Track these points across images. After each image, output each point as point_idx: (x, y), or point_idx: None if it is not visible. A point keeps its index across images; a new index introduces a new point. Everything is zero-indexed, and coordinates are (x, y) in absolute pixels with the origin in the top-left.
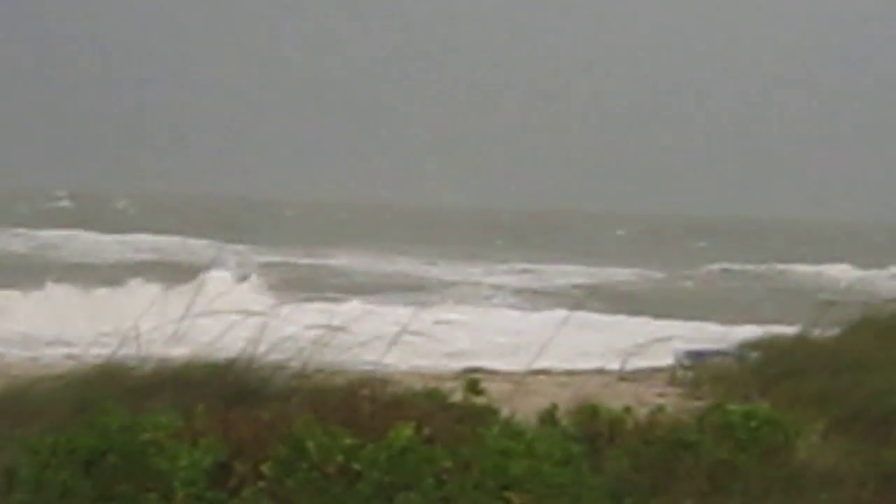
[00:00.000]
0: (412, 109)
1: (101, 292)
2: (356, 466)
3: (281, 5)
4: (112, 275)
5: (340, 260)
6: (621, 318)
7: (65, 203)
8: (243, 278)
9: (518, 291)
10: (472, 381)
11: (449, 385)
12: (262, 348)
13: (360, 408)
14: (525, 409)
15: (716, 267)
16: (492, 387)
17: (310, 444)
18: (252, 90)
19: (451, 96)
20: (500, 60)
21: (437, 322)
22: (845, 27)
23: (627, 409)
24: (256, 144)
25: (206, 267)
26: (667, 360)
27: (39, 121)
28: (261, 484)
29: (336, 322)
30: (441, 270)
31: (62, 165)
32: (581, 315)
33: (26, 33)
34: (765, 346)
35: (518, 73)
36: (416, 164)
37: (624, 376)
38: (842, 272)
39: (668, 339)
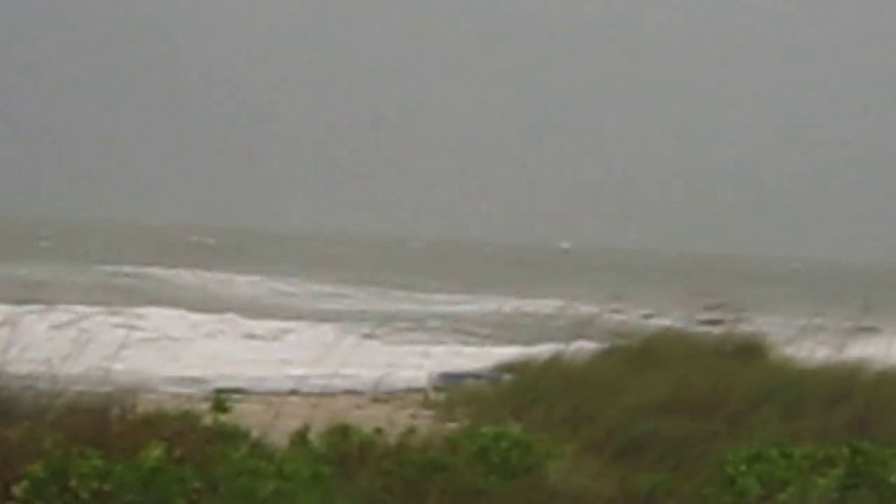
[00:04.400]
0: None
1: None
2: (107, 488)
3: None
4: None
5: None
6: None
7: None
8: None
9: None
10: (219, 399)
11: (200, 406)
12: (6, 360)
13: (110, 427)
14: (277, 430)
15: None
16: (244, 407)
17: (65, 465)
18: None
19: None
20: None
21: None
22: None
23: (379, 431)
24: None
25: None
26: (421, 382)
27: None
28: None
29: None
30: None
31: None
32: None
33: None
34: (518, 367)
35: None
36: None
37: (377, 397)
38: None
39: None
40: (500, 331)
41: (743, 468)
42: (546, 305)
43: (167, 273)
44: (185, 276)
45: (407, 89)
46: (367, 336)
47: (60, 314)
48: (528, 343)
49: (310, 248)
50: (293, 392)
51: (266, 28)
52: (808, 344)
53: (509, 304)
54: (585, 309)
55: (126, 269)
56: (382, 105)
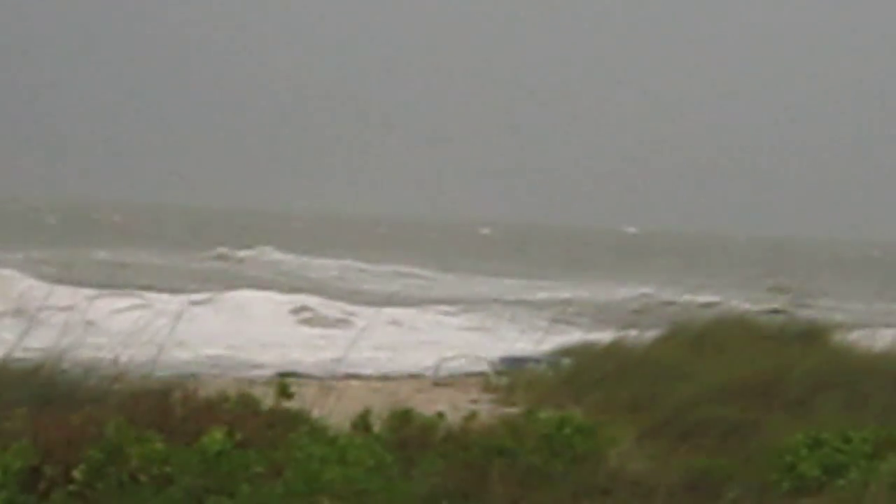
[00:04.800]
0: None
1: None
2: (168, 471)
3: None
4: None
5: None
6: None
7: None
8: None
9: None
10: (283, 385)
11: (261, 390)
12: (73, 345)
13: (172, 412)
14: (338, 414)
15: None
16: (304, 391)
17: (125, 449)
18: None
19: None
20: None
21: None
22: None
23: (440, 415)
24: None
25: None
26: (483, 366)
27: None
28: (71, 488)
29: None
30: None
31: None
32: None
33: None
34: (579, 352)
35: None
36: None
37: (438, 382)
38: None
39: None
40: (564, 314)
41: (804, 453)
42: (610, 290)
43: (256, 255)
44: (272, 258)
45: (477, 75)
46: (437, 319)
47: (134, 298)
48: (592, 327)
49: (391, 234)
50: (354, 376)
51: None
52: (874, 330)
53: (574, 289)
54: (650, 293)
55: (219, 251)
56: (446, 91)
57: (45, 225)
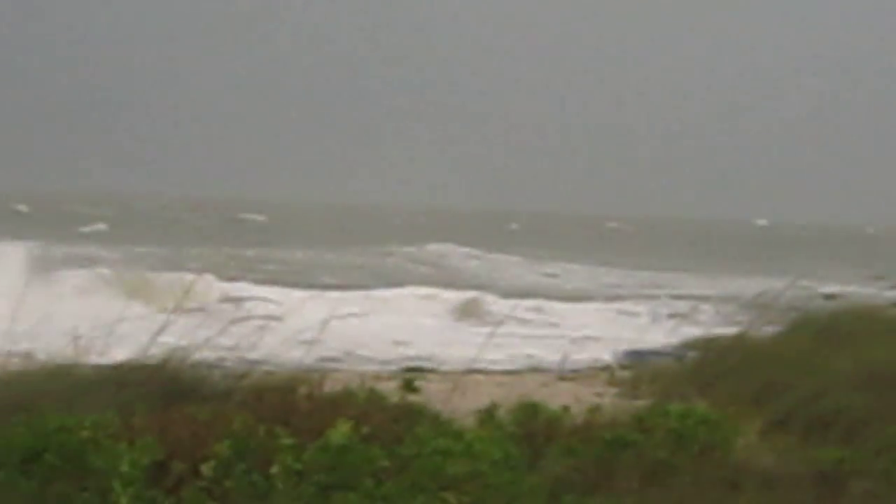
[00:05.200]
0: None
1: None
2: (297, 466)
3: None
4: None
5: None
6: None
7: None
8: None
9: None
10: (409, 380)
11: (386, 384)
12: (198, 343)
13: (297, 407)
14: (462, 409)
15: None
16: (429, 386)
17: (253, 444)
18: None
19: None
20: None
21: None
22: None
23: (566, 409)
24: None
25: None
26: (606, 360)
27: None
28: (199, 484)
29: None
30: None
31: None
32: None
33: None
34: (703, 345)
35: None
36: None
37: (563, 376)
38: None
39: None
40: (690, 307)
41: None
42: (736, 282)
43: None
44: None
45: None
46: (562, 310)
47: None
48: (717, 320)
49: (522, 229)
50: (479, 370)
51: None
52: None
53: (701, 281)
54: (777, 285)
55: (389, 248)
56: (564, 87)
57: (196, 226)
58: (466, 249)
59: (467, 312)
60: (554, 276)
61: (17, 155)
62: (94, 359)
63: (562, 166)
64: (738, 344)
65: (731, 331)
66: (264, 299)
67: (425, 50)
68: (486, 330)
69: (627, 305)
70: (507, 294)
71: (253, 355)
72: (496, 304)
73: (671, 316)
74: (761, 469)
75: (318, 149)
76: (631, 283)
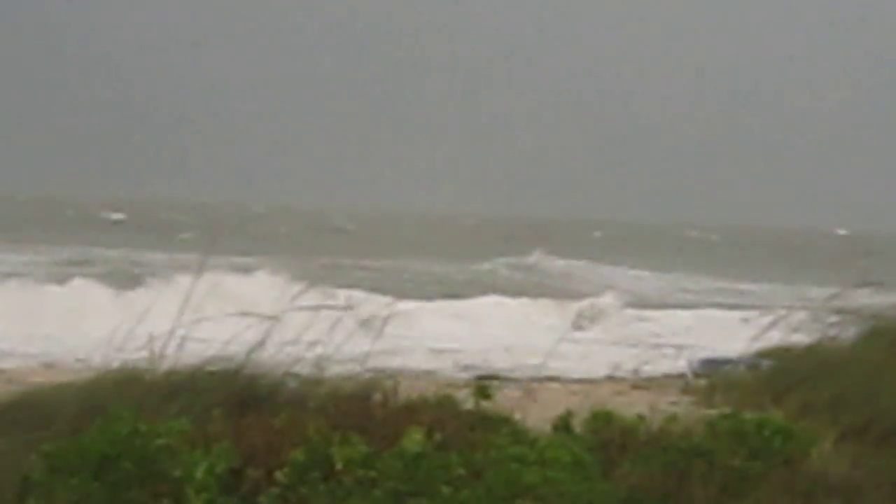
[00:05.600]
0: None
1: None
2: (372, 474)
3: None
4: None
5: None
6: None
7: None
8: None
9: None
10: (482, 387)
11: (460, 392)
12: (272, 349)
13: (372, 414)
14: (536, 417)
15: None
16: (503, 394)
17: (330, 452)
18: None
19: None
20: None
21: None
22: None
23: (640, 417)
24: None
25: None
26: (680, 368)
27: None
28: (274, 491)
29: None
30: None
31: None
32: None
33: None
34: (778, 354)
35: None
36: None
37: (636, 384)
38: None
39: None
40: (767, 316)
41: None
42: (813, 291)
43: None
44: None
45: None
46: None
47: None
48: (793, 328)
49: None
50: (553, 378)
51: None
52: None
53: (779, 290)
54: (853, 294)
55: (504, 259)
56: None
57: (279, 234)
58: (563, 262)
59: (588, 320)
60: (640, 279)
61: (107, 162)
62: (170, 363)
63: (637, 173)
64: (813, 352)
65: (806, 339)
66: (388, 306)
67: (478, 56)
68: (609, 338)
69: (705, 312)
70: (631, 303)
71: (394, 363)
72: (619, 314)
73: (748, 323)
74: (838, 479)
75: (392, 156)
76: (708, 289)
